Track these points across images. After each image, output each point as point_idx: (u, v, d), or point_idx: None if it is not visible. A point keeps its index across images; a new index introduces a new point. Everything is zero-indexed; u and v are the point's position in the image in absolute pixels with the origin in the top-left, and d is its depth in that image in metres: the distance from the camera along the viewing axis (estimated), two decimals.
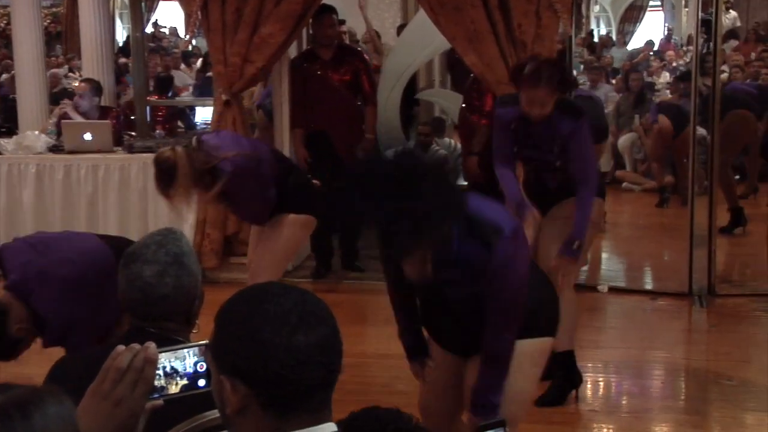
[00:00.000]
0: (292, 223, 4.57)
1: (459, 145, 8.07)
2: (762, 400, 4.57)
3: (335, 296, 5.87)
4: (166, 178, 4.07)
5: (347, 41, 9.11)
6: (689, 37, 10.56)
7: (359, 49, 8.15)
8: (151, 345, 1.58)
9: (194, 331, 2.21)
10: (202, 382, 1.64)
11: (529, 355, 2.96)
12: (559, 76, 4.10)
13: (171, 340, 1.99)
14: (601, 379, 4.69)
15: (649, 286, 6.58)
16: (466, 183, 6.55)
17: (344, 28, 8.96)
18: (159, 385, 1.60)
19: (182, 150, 4.09)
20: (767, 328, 5.70)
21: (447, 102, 9.77)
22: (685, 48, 13.87)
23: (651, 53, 14.16)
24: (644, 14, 16.46)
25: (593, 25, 15.22)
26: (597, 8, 15.41)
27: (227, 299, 1.59)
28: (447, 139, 9.44)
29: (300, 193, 4.59)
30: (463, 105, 6.52)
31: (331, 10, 6.48)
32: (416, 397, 4.61)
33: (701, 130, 6.54)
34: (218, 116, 6.36)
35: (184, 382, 1.63)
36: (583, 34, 13.20)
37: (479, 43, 5.66)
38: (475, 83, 6.18)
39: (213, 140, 4.30)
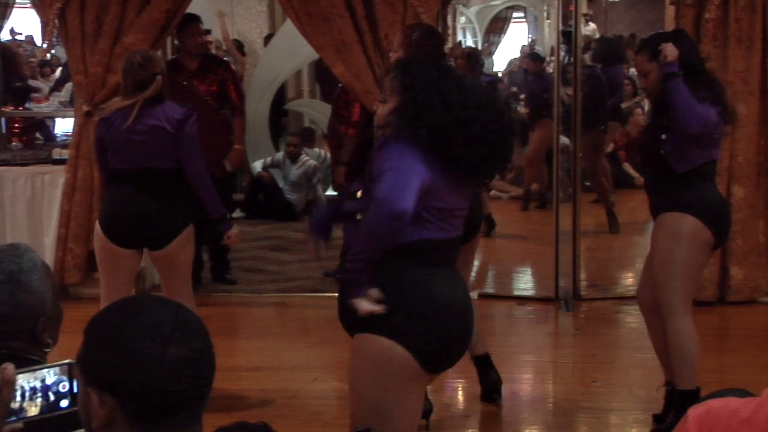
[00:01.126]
0: (186, 241, 4.48)
1: (329, 155, 8.07)
2: (626, 400, 4.72)
3: (206, 309, 5.77)
4: None
5: (214, 51, 8.98)
6: (552, 48, 10.86)
7: (226, 59, 8.04)
8: (9, 366, 1.52)
9: (46, 350, 2.13)
10: (64, 403, 1.58)
11: (362, 350, 2.84)
12: None
13: (25, 360, 1.91)
14: (470, 384, 4.74)
15: (517, 292, 6.72)
16: (335, 192, 6.56)
17: (210, 37, 8.83)
18: (17, 408, 1.53)
19: None
20: (629, 330, 5.89)
21: (316, 112, 9.78)
22: (548, 59, 14.25)
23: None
24: (508, 25, 16.84)
25: (460, 36, 15.47)
26: (463, 19, 15.66)
27: (98, 312, 1.57)
28: (317, 149, 9.45)
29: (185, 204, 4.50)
30: (332, 115, 6.53)
31: (196, 19, 6.38)
32: (289, 410, 4.60)
33: (564, 139, 6.73)
34: (79, 128, 6.18)
35: (45, 403, 1.57)
36: (450, 45, 13.39)
37: (347, 53, 5.67)
38: (344, 93, 6.19)
39: None
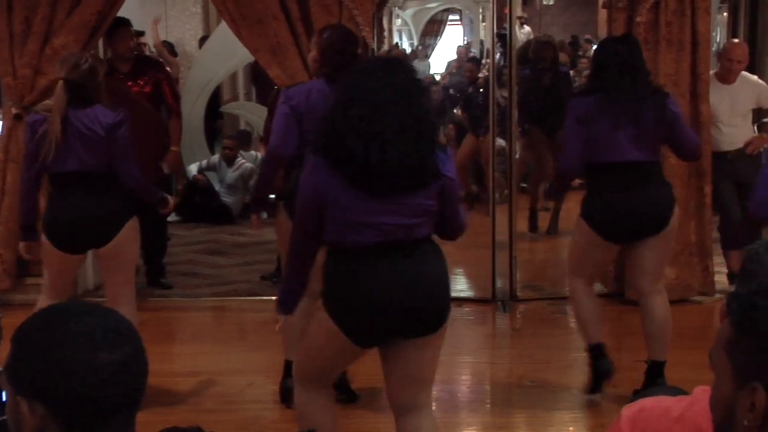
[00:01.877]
0: (131, 234, 4.48)
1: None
2: (562, 400, 4.76)
3: (141, 314, 5.63)
4: None
5: (147, 52, 8.86)
6: (487, 51, 10.94)
7: (161, 60, 7.94)
8: None
9: None
10: None
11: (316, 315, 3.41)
12: None
13: None
14: None
15: (454, 294, 6.72)
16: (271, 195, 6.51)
17: (143, 39, 8.71)
18: None
19: None
20: (565, 330, 5.96)
21: (252, 115, 9.71)
22: (483, 61, 14.35)
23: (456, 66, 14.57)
24: (444, 28, 16.94)
25: (396, 39, 15.51)
26: (399, 22, 15.71)
27: (26, 319, 1.53)
28: (253, 152, 9.38)
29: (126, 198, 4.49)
30: (268, 117, 6.48)
31: (126, 23, 6.26)
32: (225, 414, 4.56)
33: (500, 141, 6.77)
34: (8, 131, 6.05)
35: None
36: (386, 47, 13.42)
37: (282, 55, 5.64)
38: (280, 96, 6.14)
39: None
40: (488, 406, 4.79)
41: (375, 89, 2.99)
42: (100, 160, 4.30)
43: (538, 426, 4.56)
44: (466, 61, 10.80)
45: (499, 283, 6.40)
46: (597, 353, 4.51)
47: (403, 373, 3.29)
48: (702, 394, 1.65)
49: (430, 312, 3.19)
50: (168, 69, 7.19)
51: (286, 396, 4.54)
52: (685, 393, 1.79)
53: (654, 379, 4.44)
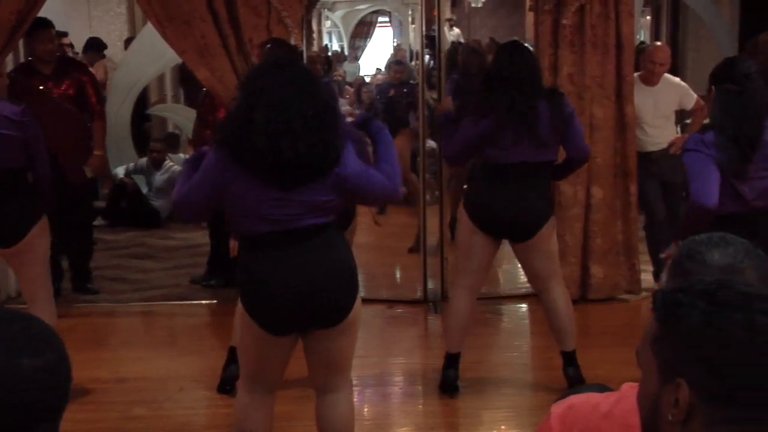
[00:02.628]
0: (41, 232, 4.45)
1: None
2: (494, 399, 4.79)
3: (67, 321, 5.59)
4: None
5: (71, 54, 8.70)
6: (416, 53, 10.98)
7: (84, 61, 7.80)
8: None
9: None
10: None
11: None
12: None
13: None
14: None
15: (386, 295, 6.74)
16: None
17: (66, 40, 8.55)
18: None
19: None
20: (496, 330, 6.01)
21: (180, 117, 9.60)
22: (413, 63, 14.40)
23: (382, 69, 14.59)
24: (374, 30, 16.95)
25: (326, 40, 15.48)
26: (328, 24, 15.68)
27: None
28: (182, 155, 9.27)
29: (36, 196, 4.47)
30: (197, 120, 6.41)
31: (47, 24, 6.12)
32: (155, 421, 4.50)
33: (431, 142, 6.80)
34: None
35: None
36: (315, 49, 13.37)
37: (210, 57, 5.58)
38: (208, 98, 6.09)
39: None
40: (420, 407, 4.80)
41: (274, 89, 3.13)
42: (6, 156, 4.25)
43: (469, 426, 4.59)
44: (393, 63, 10.82)
45: (430, 285, 6.43)
46: (450, 362, 4.76)
47: (318, 361, 3.42)
48: (629, 390, 1.67)
49: (327, 302, 3.25)
50: (92, 70, 7.07)
51: (223, 384, 4.59)
52: (611, 390, 1.82)
53: (573, 368, 4.65)
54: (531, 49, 4.68)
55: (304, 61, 6.10)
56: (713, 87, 3.79)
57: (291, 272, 3.20)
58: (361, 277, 7.35)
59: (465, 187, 4.76)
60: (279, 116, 3.09)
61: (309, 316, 3.27)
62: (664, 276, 1.82)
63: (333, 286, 3.25)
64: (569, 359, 4.70)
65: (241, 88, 3.29)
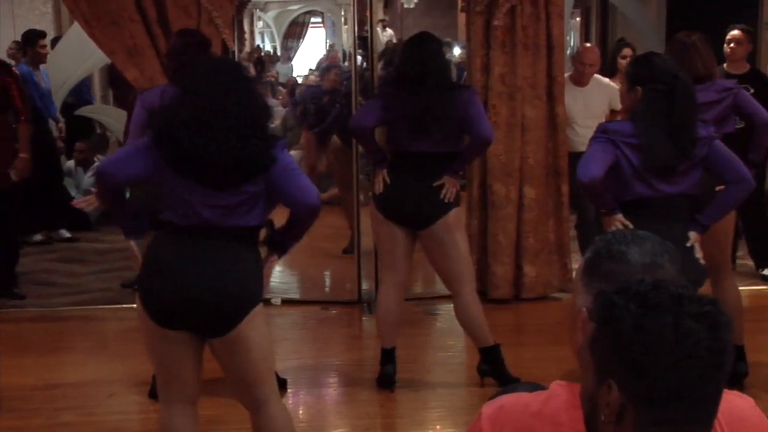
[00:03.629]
0: None
1: None
2: (429, 399, 4.80)
3: None
4: None
5: None
6: (349, 53, 10.96)
7: (8, 62, 7.62)
8: None
9: None
10: None
11: None
12: None
13: None
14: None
15: (320, 296, 6.72)
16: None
17: None
18: None
19: None
20: (431, 329, 6.02)
21: (110, 118, 9.45)
22: (346, 63, 14.38)
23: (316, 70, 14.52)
24: (307, 30, 16.88)
25: (258, 41, 15.37)
26: (260, 24, 15.58)
27: None
28: None
29: None
30: (128, 121, 6.31)
31: None
32: (84, 427, 4.41)
33: None
34: None
35: None
36: (248, 50, 13.28)
37: (140, 57, 5.49)
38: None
39: None
40: (355, 407, 4.78)
41: (205, 90, 3.13)
42: None
43: (404, 426, 4.59)
44: (328, 69, 10.79)
45: (364, 285, 6.42)
46: (386, 358, 4.79)
47: (231, 376, 3.35)
48: (559, 389, 1.68)
49: (208, 306, 3.17)
50: (15, 71, 6.91)
51: (155, 389, 4.45)
52: (543, 388, 1.82)
53: (493, 364, 4.73)
54: (440, 42, 4.71)
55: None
56: (639, 88, 3.80)
57: (187, 266, 3.16)
58: (295, 279, 7.38)
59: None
60: (205, 117, 3.09)
61: (192, 314, 3.18)
62: (578, 276, 1.81)
63: (219, 293, 3.15)
64: (485, 355, 4.76)
65: (176, 86, 3.29)
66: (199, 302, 3.16)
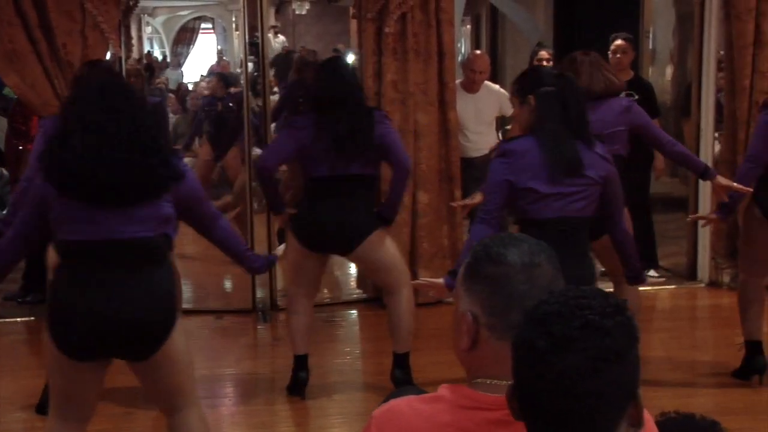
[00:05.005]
0: None
1: (6, 172, 7.56)
2: (325, 405, 4.78)
3: None
4: None
5: None
6: (241, 60, 10.88)
7: None
8: None
9: None
10: None
11: None
12: None
13: None
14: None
15: (214, 306, 6.62)
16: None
17: None
18: None
19: None
20: (328, 337, 5.98)
21: None
22: (237, 70, 14.27)
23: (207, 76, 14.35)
24: (197, 36, 16.68)
25: (147, 47, 15.12)
26: (149, 29, 15.33)
27: None
28: None
29: None
30: (8, 129, 6.12)
31: None
32: None
33: (257, 150, 6.72)
34: None
35: None
36: (136, 56, 13.03)
37: (20, 63, 5.32)
38: (19, 106, 5.81)
39: None
40: (251, 417, 4.73)
41: (93, 115, 3.05)
42: None
43: None
44: (210, 77, 10.69)
45: (259, 294, 6.36)
46: (299, 364, 4.75)
47: (152, 389, 3.29)
48: (446, 391, 1.71)
49: (134, 333, 3.08)
50: None
51: (43, 405, 4.27)
52: (426, 392, 1.85)
53: (406, 371, 4.75)
54: (350, 63, 4.73)
55: (123, 73, 5.93)
56: (531, 96, 3.80)
57: (98, 294, 3.04)
58: (188, 288, 7.27)
59: (291, 212, 4.73)
60: (96, 142, 3.00)
61: (114, 345, 3.08)
62: (459, 281, 1.82)
63: (143, 318, 3.06)
64: (399, 361, 4.75)
65: (61, 113, 3.22)
66: (118, 334, 3.05)
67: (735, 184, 4.58)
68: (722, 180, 4.68)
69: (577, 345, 1.37)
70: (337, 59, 4.79)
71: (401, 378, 4.71)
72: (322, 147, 4.45)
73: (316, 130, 4.46)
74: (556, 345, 1.38)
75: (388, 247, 4.72)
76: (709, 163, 6.50)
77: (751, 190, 4.55)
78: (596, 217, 3.83)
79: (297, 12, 16.22)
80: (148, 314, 3.07)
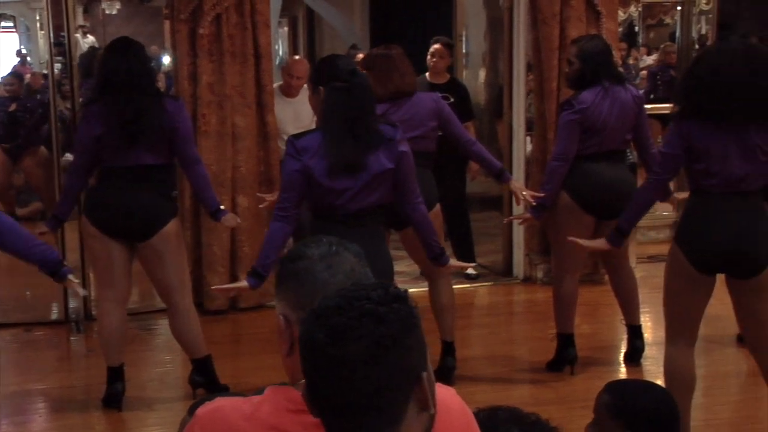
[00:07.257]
0: None
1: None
2: (145, 416, 4.65)
3: None
4: None
5: None
6: (46, 61, 10.43)
7: None
8: None
9: None
10: None
11: None
12: None
13: None
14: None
15: (22, 318, 6.30)
16: None
17: None
18: None
19: None
20: (146, 346, 5.83)
21: None
22: (45, 71, 13.68)
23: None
24: None
25: None
26: None
27: None
28: None
29: None
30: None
31: None
32: None
33: (68, 155, 6.46)
34: None
35: None
36: None
37: None
38: None
39: None
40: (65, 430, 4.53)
41: None
42: None
43: None
44: (7, 76, 10.22)
45: (72, 304, 6.11)
46: (113, 376, 4.62)
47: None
48: (272, 393, 1.71)
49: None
50: None
51: None
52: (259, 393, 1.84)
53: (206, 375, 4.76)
54: (143, 46, 4.61)
55: None
56: (321, 88, 3.72)
57: None
58: None
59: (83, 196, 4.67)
60: None
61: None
62: (275, 286, 1.84)
63: None
64: (200, 366, 4.74)
65: None
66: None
67: (527, 191, 4.91)
68: (515, 183, 5.07)
69: (354, 333, 1.40)
70: (126, 39, 4.61)
71: (200, 382, 4.71)
72: (110, 133, 4.39)
73: (106, 116, 4.39)
74: (334, 336, 1.40)
75: (181, 242, 4.70)
76: (522, 162, 6.76)
77: (543, 195, 4.75)
78: (395, 206, 3.84)
79: (107, 11, 15.71)
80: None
